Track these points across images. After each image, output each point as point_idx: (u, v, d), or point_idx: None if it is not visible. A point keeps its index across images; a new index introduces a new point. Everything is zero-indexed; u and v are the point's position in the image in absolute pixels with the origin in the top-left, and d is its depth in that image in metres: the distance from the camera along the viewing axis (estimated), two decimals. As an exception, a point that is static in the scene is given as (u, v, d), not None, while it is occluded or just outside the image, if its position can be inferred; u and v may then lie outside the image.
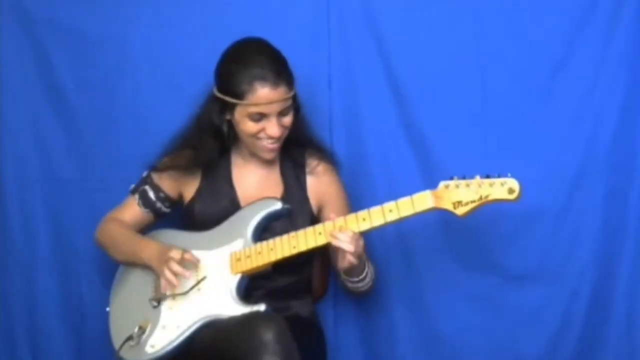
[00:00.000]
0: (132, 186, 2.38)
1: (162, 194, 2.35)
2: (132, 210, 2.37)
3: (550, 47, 2.46)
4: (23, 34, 2.56)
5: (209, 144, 2.28)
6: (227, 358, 2.02)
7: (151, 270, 2.25)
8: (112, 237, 2.35)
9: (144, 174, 2.37)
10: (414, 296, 2.53)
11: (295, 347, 2.00)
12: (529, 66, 2.46)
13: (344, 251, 2.12)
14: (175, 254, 2.17)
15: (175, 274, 2.15)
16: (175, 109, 2.42)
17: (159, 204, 2.36)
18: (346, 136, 2.54)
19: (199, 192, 2.33)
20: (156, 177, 2.35)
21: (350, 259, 2.12)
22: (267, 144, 2.23)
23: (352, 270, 2.20)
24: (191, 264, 2.19)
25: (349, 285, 2.27)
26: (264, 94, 2.16)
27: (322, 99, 2.51)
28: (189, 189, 2.35)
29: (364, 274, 2.24)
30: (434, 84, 2.50)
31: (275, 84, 2.16)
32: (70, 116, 2.58)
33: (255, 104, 2.17)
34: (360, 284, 2.26)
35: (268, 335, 1.96)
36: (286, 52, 2.25)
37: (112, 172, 2.57)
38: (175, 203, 2.38)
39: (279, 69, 2.19)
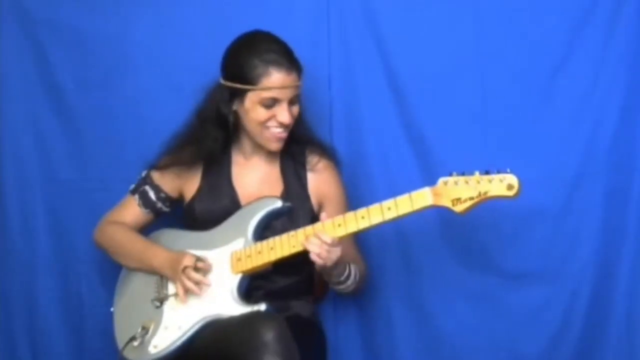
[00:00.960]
0: (132, 186, 2.37)
1: (162, 194, 2.35)
2: (132, 211, 2.36)
3: (550, 47, 2.46)
4: (23, 34, 2.56)
5: (212, 135, 2.28)
6: (228, 358, 2.01)
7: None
8: (116, 242, 2.35)
9: (143, 173, 2.37)
10: (413, 296, 2.52)
11: (296, 347, 2.00)
12: (529, 66, 2.46)
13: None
14: (189, 261, 2.18)
15: (196, 283, 2.17)
16: (175, 109, 2.42)
17: (159, 204, 2.36)
18: (346, 136, 2.53)
19: (199, 190, 2.33)
20: (156, 177, 2.35)
21: (316, 258, 2.12)
22: (276, 132, 2.24)
23: (324, 273, 2.20)
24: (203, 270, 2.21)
25: (330, 284, 2.27)
26: (279, 78, 2.19)
27: (322, 99, 2.51)
28: (190, 187, 2.34)
29: (342, 278, 2.23)
30: (434, 84, 2.50)
31: (289, 69, 2.21)
32: (70, 116, 2.58)
33: (270, 88, 2.19)
34: (339, 287, 2.25)
35: (269, 335, 1.96)
36: (286, 52, 2.26)
37: (112, 172, 2.56)
38: (175, 202, 2.38)
39: (291, 56, 2.24)
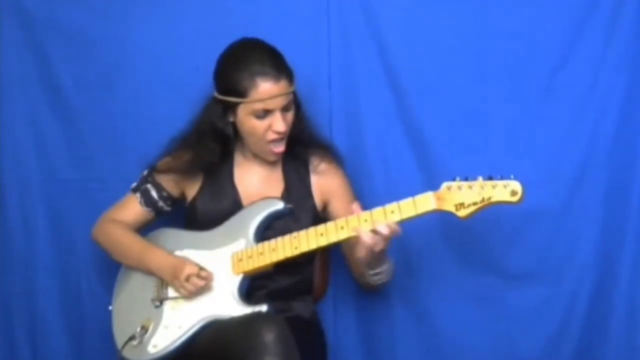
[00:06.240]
0: (134, 184, 2.36)
1: (164, 193, 2.35)
2: (133, 209, 2.35)
3: (550, 46, 2.46)
4: (23, 34, 2.56)
5: (209, 148, 2.28)
6: (228, 358, 2.02)
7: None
8: (114, 241, 2.35)
9: (145, 172, 2.36)
10: (414, 296, 2.53)
11: (296, 349, 2.00)
12: (529, 66, 2.46)
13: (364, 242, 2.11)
14: (192, 269, 2.18)
15: (196, 287, 2.18)
16: (175, 109, 2.43)
17: (161, 203, 2.35)
18: (346, 135, 2.53)
19: (201, 190, 2.32)
20: (158, 176, 2.34)
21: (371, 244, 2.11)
22: (273, 147, 2.23)
23: (372, 262, 2.18)
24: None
25: (368, 276, 2.24)
26: (267, 88, 2.16)
27: (322, 99, 2.51)
28: (192, 187, 2.34)
29: (384, 267, 2.22)
30: (433, 84, 2.50)
31: (276, 77, 2.17)
32: (70, 116, 2.58)
33: (259, 100, 2.17)
34: (376, 277, 2.24)
35: (269, 337, 1.96)
36: (286, 52, 2.25)
37: (112, 172, 2.57)
38: (177, 201, 2.37)
39: (279, 63, 2.20)
